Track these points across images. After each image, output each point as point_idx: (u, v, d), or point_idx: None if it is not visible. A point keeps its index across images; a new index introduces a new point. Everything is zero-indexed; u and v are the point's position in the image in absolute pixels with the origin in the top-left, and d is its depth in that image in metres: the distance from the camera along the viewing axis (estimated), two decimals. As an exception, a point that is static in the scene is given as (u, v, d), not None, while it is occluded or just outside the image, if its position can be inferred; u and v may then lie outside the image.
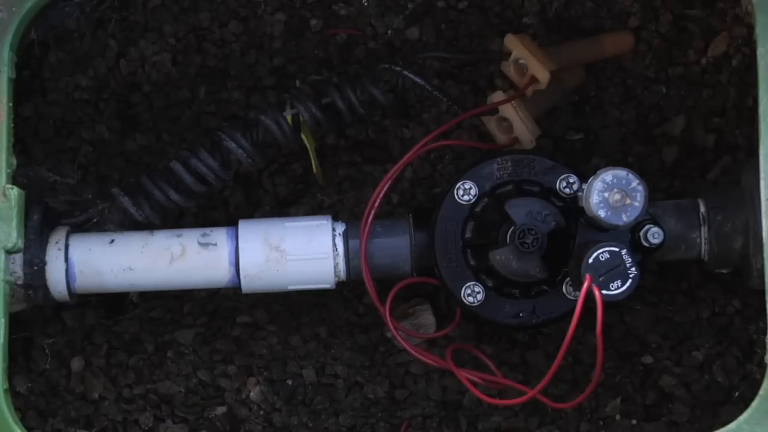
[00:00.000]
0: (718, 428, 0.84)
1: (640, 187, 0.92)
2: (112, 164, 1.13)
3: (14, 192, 0.93)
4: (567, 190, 0.98)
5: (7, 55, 0.92)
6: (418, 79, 1.08)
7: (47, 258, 1.01)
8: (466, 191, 1.00)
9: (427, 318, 1.09)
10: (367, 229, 1.01)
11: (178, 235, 1.03)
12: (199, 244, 1.02)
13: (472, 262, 1.00)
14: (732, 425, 0.84)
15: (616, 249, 0.91)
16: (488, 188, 1.00)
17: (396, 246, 1.02)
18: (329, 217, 1.03)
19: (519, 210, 0.96)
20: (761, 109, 0.87)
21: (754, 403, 0.84)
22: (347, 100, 1.07)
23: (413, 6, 1.13)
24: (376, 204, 1.02)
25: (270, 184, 1.13)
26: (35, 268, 1.00)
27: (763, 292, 0.88)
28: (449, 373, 1.06)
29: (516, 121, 1.06)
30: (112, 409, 1.06)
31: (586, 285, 0.89)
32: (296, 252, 1.01)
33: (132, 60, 1.13)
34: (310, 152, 1.08)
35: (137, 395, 1.07)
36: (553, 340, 1.07)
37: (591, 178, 0.93)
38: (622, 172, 0.92)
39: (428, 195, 1.12)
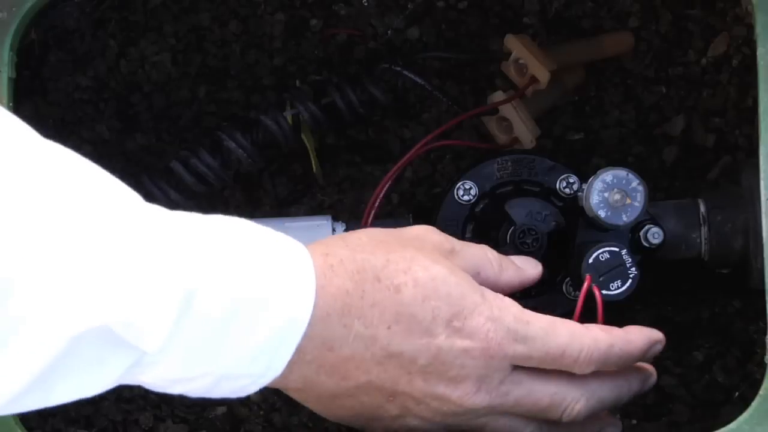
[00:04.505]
0: (718, 428, 0.84)
1: (640, 187, 0.92)
2: (112, 164, 1.12)
3: (14, 192, 0.93)
4: (567, 190, 0.98)
5: (7, 55, 0.92)
6: (418, 79, 1.08)
7: (47, 258, 1.00)
8: (466, 191, 1.00)
9: (427, 318, 1.09)
10: (367, 229, 1.01)
11: (178, 235, 1.03)
12: (199, 244, 1.02)
13: (472, 262, 1.00)
14: (732, 425, 0.84)
15: (616, 249, 0.91)
16: (488, 188, 1.00)
17: (396, 246, 1.02)
18: (329, 217, 1.03)
19: (519, 210, 0.96)
20: (761, 109, 0.87)
21: (754, 403, 0.84)
22: (347, 100, 1.07)
23: (413, 6, 1.13)
24: (377, 204, 1.02)
25: (270, 184, 1.13)
26: (35, 268, 1.00)
27: (763, 292, 0.88)
28: (449, 373, 1.06)
29: (516, 121, 1.06)
30: (112, 409, 1.06)
31: (586, 285, 0.89)
32: (296, 252, 1.01)
33: (132, 60, 1.13)
34: (310, 152, 1.08)
35: (137, 395, 1.07)
36: (553, 340, 1.07)
37: (591, 178, 0.93)
38: (622, 172, 0.92)
39: (428, 195, 1.12)
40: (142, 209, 0.72)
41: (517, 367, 0.82)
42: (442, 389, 0.81)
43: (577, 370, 0.83)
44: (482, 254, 0.86)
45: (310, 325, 0.76)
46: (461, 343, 0.80)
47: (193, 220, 0.75)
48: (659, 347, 0.88)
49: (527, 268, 0.89)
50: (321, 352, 0.78)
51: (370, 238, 0.83)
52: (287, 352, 0.76)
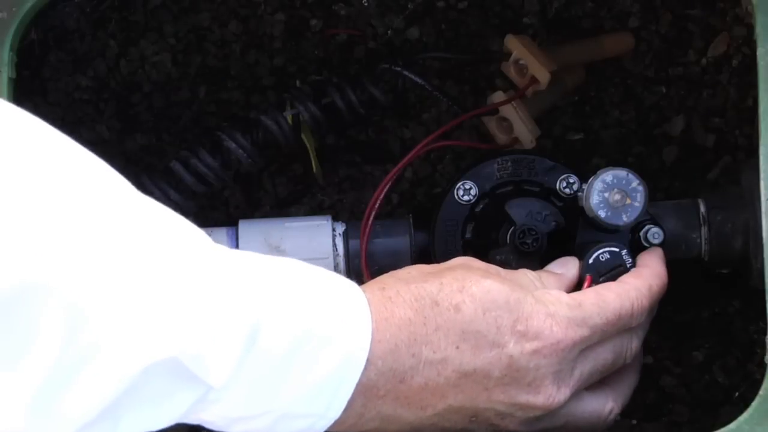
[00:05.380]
0: (718, 428, 0.84)
1: (640, 187, 0.92)
2: (112, 164, 1.12)
3: (14, 192, 0.93)
4: (567, 191, 0.98)
5: (7, 55, 0.92)
6: (418, 79, 1.08)
7: (47, 258, 1.00)
8: (466, 191, 1.00)
9: (427, 318, 1.09)
10: (367, 229, 1.01)
11: (178, 235, 1.03)
12: (199, 244, 1.02)
13: (472, 263, 1.00)
14: (732, 425, 0.84)
15: (616, 249, 0.91)
16: (488, 188, 1.00)
17: (396, 246, 1.02)
18: (329, 218, 1.03)
19: (519, 210, 0.96)
20: (761, 109, 0.87)
21: (754, 403, 0.84)
22: (347, 100, 1.07)
23: (413, 6, 1.13)
24: (377, 205, 1.02)
25: (270, 184, 1.13)
26: (35, 268, 1.00)
27: (763, 292, 0.88)
28: (449, 373, 1.05)
29: (516, 122, 1.06)
30: (112, 409, 1.06)
31: (585, 285, 0.89)
32: (296, 252, 1.01)
33: (132, 60, 1.13)
34: (310, 152, 1.08)
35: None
36: (553, 340, 1.07)
37: (591, 178, 0.93)
38: (622, 172, 0.92)
39: (428, 195, 1.12)
40: (209, 248, 0.74)
41: None
42: (524, 397, 0.81)
43: (635, 324, 0.86)
44: (525, 277, 0.87)
45: (381, 358, 0.77)
46: (530, 345, 0.81)
47: (255, 261, 0.76)
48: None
49: (566, 272, 0.91)
50: (393, 385, 0.78)
51: (419, 271, 0.84)
52: (347, 391, 0.77)
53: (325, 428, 0.78)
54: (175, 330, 0.70)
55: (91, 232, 0.68)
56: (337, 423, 0.78)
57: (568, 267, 0.91)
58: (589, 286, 0.89)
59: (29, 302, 0.66)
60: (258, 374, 0.73)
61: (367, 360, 0.77)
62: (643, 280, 0.88)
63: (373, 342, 0.77)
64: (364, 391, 0.77)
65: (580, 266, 0.91)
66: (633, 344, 0.88)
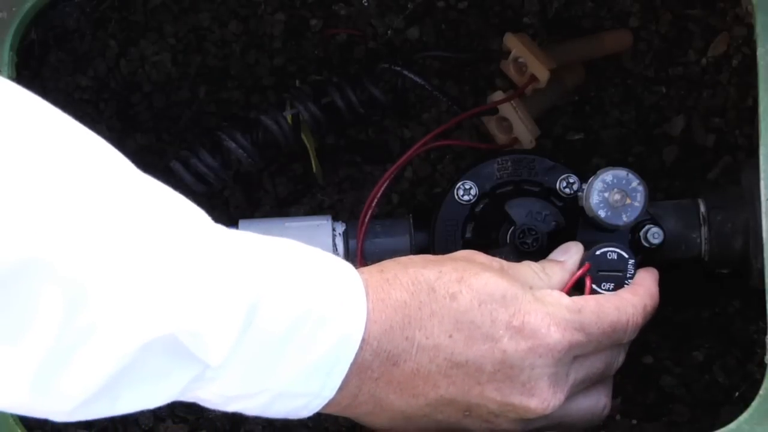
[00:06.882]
0: (718, 428, 0.84)
1: (640, 187, 0.92)
2: (112, 164, 1.13)
3: (14, 192, 0.93)
4: (567, 190, 0.98)
5: (7, 55, 0.92)
6: (418, 79, 1.08)
7: (47, 258, 1.00)
8: (466, 191, 1.00)
9: (427, 318, 1.09)
10: (363, 229, 1.01)
11: (178, 235, 1.03)
12: (199, 244, 1.02)
13: (472, 262, 1.00)
14: (732, 425, 0.84)
15: (626, 255, 0.90)
16: (488, 188, 1.00)
17: (396, 246, 1.02)
18: (329, 217, 1.03)
19: (519, 210, 0.96)
20: (761, 109, 0.87)
21: (754, 403, 0.84)
22: (347, 100, 1.07)
23: (413, 6, 1.13)
24: (374, 204, 1.02)
25: (270, 184, 1.13)
26: (35, 268, 1.00)
27: (763, 292, 0.88)
28: (449, 373, 1.05)
29: (515, 121, 1.06)
30: (112, 409, 1.06)
31: (581, 271, 0.89)
32: (296, 252, 1.01)
33: (132, 60, 1.13)
34: (310, 152, 1.08)
35: (137, 395, 1.07)
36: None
37: (591, 178, 0.93)
38: (622, 172, 0.92)
39: (428, 195, 1.12)
40: (209, 227, 0.74)
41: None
42: (518, 398, 0.81)
43: (625, 339, 0.86)
44: (528, 269, 0.87)
45: (376, 339, 0.77)
46: (525, 343, 0.80)
47: (254, 240, 0.76)
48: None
49: (569, 258, 0.90)
50: (387, 368, 0.78)
51: (421, 258, 0.84)
52: (342, 370, 0.77)
53: (320, 407, 0.78)
54: (173, 307, 0.70)
55: (91, 210, 0.68)
56: (332, 403, 0.78)
57: (570, 253, 0.90)
58: (585, 273, 0.89)
59: (30, 278, 0.66)
60: (255, 353, 0.74)
61: (363, 340, 0.77)
62: (639, 299, 0.88)
63: (369, 322, 0.77)
64: (358, 371, 0.77)
65: (584, 255, 0.90)
66: (620, 358, 0.88)
